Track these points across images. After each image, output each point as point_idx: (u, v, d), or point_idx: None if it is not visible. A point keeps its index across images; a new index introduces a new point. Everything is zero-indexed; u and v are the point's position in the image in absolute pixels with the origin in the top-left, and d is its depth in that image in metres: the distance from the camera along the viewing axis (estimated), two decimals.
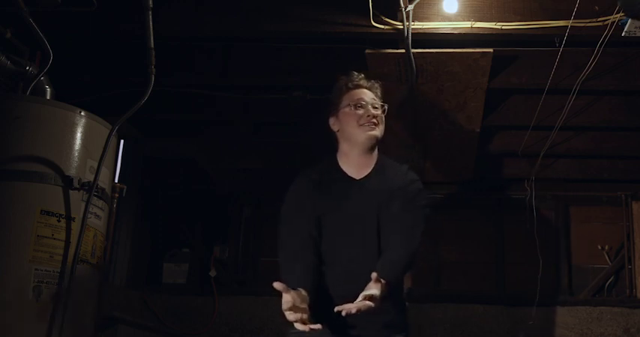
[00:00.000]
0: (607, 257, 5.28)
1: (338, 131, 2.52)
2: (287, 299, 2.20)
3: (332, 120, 2.54)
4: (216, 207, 5.65)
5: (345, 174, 2.49)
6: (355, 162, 2.49)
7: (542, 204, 5.14)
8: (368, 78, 2.57)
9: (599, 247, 5.33)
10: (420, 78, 3.77)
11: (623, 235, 5.28)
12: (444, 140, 4.54)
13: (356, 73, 2.57)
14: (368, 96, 2.50)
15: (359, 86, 2.52)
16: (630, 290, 5.13)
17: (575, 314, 4.92)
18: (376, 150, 2.51)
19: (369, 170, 2.48)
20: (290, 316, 2.17)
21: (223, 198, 5.63)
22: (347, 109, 2.48)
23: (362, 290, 2.23)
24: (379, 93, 2.55)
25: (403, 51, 3.53)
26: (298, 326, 2.17)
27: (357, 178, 2.47)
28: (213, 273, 5.17)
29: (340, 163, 2.52)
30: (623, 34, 3.22)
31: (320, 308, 2.33)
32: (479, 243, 5.38)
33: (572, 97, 3.85)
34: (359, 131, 2.45)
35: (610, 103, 4.38)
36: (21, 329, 2.55)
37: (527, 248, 4.94)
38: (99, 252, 2.85)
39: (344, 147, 2.51)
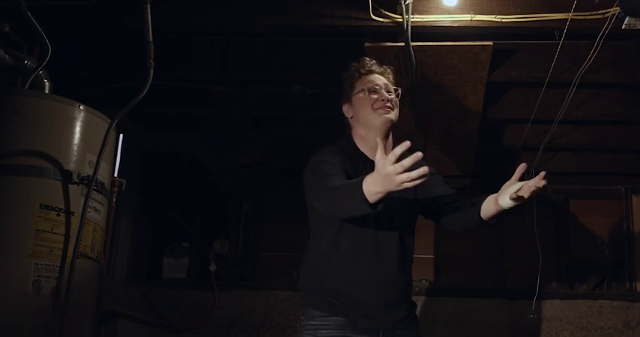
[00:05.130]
0: (607, 251, 5.29)
1: (352, 117, 2.53)
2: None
3: (345, 107, 2.54)
4: (216, 202, 5.65)
5: (366, 157, 2.47)
6: (373, 147, 2.47)
7: (542, 198, 5.14)
8: (380, 63, 2.57)
9: (599, 240, 5.33)
10: (420, 71, 3.76)
11: (623, 228, 5.29)
12: (444, 134, 4.53)
13: (367, 59, 2.57)
14: (381, 80, 2.51)
15: (371, 72, 2.53)
16: (630, 283, 5.14)
17: (575, 307, 4.92)
18: (390, 135, 2.51)
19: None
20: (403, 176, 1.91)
21: (223, 193, 5.63)
22: (361, 94, 2.49)
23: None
24: (392, 79, 2.55)
25: (403, 44, 3.52)
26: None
27: None
28: (213, 268, 5.17)
29: (359, 146, 2.51)
30: (623, 27, 3.21)
31: (346, 298, 2.35)
32: (479, 237, 5.38)
33: (572, 90, 3.84)
34: (374, 115, 2.45)
35: (610, 96, 4.37)
36: (21, 324, 2.55)
37: (527, 241, 4.94)
38: (98, 247, 2.85)
39: (360, 131, 2.51)
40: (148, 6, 2.78)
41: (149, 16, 2.79)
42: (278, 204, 5.72)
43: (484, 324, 4.93)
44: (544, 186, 2.16)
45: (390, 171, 1.90)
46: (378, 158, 1.97)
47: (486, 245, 5.41)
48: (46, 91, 2.96)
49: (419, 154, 1.89)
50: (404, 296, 2.46)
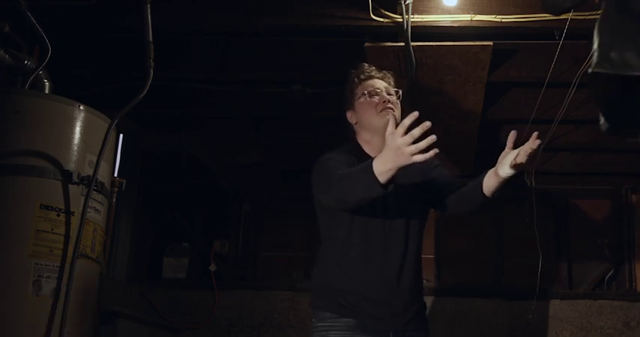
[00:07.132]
0: (607, 251, 5.29)
1: (356, 123, 2.55)
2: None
3: (349, 114, 2.57)
4: (217, 202, 5.65)
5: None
6: (379, 150, 2.50)
7: (542, 198, 5.14)
8: (379, 67, 2.60)
9: (599, 240, 5.33)
10: (420, 71, 3.76)
11: (623, 228, 5.28)
12: (444, 134, 4.52)
13: (366, 65, 2.61)
14: (381, 84, 2.54)
15: (371, 77, 2.56)
16: (630, 283, 5.13)
17: (575, 307, 4.92)
18: None
19: None
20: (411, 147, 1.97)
21: (223, 193, 5.63)
22: (362, 99, 2.52)
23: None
24: (392, 82, 2.58)
25: (403, 44, 3.53)
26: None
27: None
28: (213, 268, 5.17)
29: (365, 150, 2.53)
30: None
31: (354, 299, 2.37)
32: (479, 237, 5.39)
33: (572, 90, 3.84)
34: (377, 118, 2.47)
35: None
36: (21, 324, 2.55)
37: (527, 241, 4.93)
38: (99, 247, 2.85)
39: (365, 136, 2.53)
40: (148, 6, 2.78)
41: (149, 16, 2.79)
42: (278, 204, 5.72)
43: (483, 324, 4.93)
44: (538, 145, 2.22)
45: (400, 143, 1.95)
46: (388, 133, 2.00)
47: (486, 245, 5.41)
48: (46, 91, 2.96)
49: (427, 124, 1.94)
50: (413, 297, 2.47)
